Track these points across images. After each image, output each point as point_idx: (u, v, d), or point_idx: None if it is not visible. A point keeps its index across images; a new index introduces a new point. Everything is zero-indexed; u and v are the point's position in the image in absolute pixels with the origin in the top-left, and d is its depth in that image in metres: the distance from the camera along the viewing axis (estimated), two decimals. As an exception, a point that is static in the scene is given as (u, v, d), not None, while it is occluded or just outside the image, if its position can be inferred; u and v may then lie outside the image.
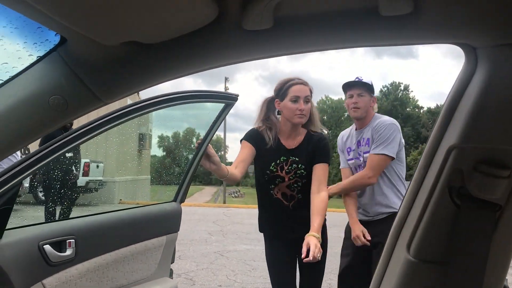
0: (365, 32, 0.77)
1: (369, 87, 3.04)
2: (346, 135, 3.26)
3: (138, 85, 0.95)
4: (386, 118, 3.07)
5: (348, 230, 3.26)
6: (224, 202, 28.71)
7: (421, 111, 73.43)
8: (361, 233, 2.96)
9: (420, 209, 0.95)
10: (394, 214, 3.06)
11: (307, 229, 2.46)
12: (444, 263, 0.94)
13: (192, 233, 9.41)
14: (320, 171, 2.62)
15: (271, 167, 2.66)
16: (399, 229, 1.02)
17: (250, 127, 2.83)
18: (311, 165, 2.63)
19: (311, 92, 2.65)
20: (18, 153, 6.48)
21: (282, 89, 2.63)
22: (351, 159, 3.16)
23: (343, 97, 3.30)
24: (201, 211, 14.48)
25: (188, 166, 2.62)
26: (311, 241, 2.34)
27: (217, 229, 10.25)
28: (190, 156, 2.61)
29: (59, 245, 1.97)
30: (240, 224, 10.87)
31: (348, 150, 3.19)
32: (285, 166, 2.64)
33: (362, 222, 3.08)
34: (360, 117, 3.05)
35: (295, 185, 2.66)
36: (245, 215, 13.36)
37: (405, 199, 1.00)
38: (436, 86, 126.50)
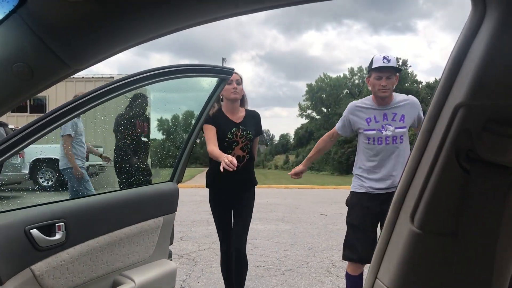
0: None
1: (396, 69, 3.19)
2: (364, 106, 3.34)
3: (109, 48, 0.85)
4: (410, 96, 3.37)
5: (350, 200, 3.35)
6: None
7: (420, 86, 73.17)
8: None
9: (424, 176, 0.86)
10: None
11: (246, 184, 3.56)
12: (452, 234, 0.86)
13: (193, 214, 9.38)
14: (256, 140, 3.67)
15: (229, 135, 3.47)
16: (401, 198, 0.93)
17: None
18: (254, 133, 3.57)
19: (241, 78, 3.52)
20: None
21: None
22: (372, 129, 3.25)
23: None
24: (202, 193, 14.43)
25: (184, 145, 2.53)
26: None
27: (218, 210, 10.20)
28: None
29: (48, 229, 1.88)
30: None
31: (368, 120, 3.27)
32: (239, 133, 3.48)
33: (374, 195, 3.24)
34: (387, 97, 3.22)
35: (245, 146, 3.52)
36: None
37: (408, 166, 0.91)
38: (434, 60, 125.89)
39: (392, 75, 3.18)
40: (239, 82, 3.51)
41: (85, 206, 2.05)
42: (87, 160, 13.48)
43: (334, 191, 16.00)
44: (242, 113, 3.60)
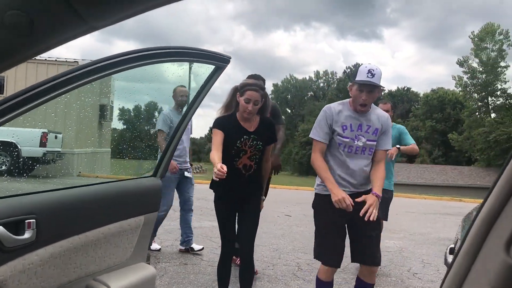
0: None
1: (379, 86, 3.16)
2: (340, 110, 3.26)
3: (134, 4, 0.63)
4: (385, 113, 3.38)
5: (317, 203, 3.32)
6: (186, 178, 28.28)
7: (382, 93, 74.68)
8: (346, 196, 3.05)
9: None
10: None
11: (252, 192, 3.55)
12: None
13: (155, 209, 9.08)
14: (268, 148, 3.57)
15: (237, 144, 3.40)
16: (490, 222, 0.75)
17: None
18: (265, 143, 3.50)
19: (262, 96, 3.38)
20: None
21: (243, 88, 3.37)
22: (347, 137, 3.20)
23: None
24: (164, 186, 14.08)
25: (170, 138, 2.31)
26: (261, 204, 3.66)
27: (181, 205, 9.95)
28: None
29: (16, 226, 1.60)
30: (204, 200, 10.56)
31: (344, 128, 3.21)
32: (248, 142, 3.42)
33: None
34: (366, 110, 3.21)
35: (254, 156, 3.46)
36: (209, 191, 12.96)
37: (499, 185, 0.72)
38: (398, 70, 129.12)
39: (374, 90, 3.14)
40: (257, 102, 3.36)
41: (60, 200, 1.78)
42: (45, 146, 12.92)
43: (296, 192, 15.96)
44: (256, 120, 3.51)
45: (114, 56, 1.79)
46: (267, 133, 3.51)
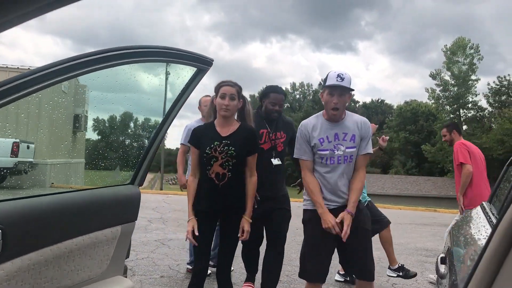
0: None
1: (349, 88, 3.20)
2: (314, 125, 3.30)
3: None
4: (363, 118, 3.38)
5: (306, 218, 3.31)
6: (161, 189, 28.34)
7: (357, 105, 75.75)
8: (334, 223, 3.08)
9: None
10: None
11: (229, 204, 3.26)
12: None
13: (131, 220, 8.86)
14: (251, 160, 3.30)
15: (207, 150, 3.22)
16: None
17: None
18: (242, 150, 3.24)
19: (238, 92, 3.28)
20: None
21: (216, 88, 3.29)
22: (326, 149, 3.23)
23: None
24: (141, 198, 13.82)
25: (149, 145, 2.19)
26: (245, 225, 3.24)
27: (157, 216, 9.77)
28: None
29: None
30: (181, 212, 10.41)
31: (321, 140, 3.24)
32: (218, 148, 3.21)
33: (330, 211, 3.18)
34: (338, 114, 3.21)
35: (226, 163, 3.22)
36: (186, 202, 12.74)
37: None
38: (371, 82, 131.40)
39: (345, 93, 3.19)
40: (234, 97, 3.25)
41: (30, 209, 1.64)
42: (17, 156, 12.54)
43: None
44: (234, 126, 3.33)
45: (86, 54, 1.67)
46: (243, 140, 3.28)
